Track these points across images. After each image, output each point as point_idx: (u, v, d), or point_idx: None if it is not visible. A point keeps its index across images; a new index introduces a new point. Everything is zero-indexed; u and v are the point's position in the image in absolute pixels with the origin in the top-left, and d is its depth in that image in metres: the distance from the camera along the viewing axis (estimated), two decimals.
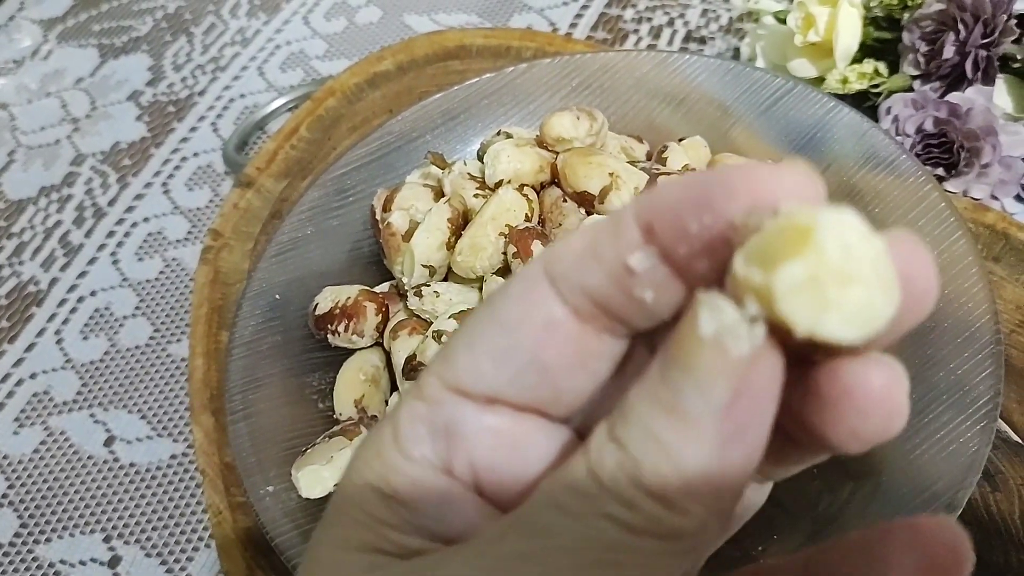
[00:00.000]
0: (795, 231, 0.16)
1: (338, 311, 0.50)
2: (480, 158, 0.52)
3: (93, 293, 0.69)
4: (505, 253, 0.47)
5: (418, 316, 0.49)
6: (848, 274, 0.15)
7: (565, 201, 0.49)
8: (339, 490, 0.21)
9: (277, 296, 0.53)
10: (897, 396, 0.17)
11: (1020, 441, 0.48)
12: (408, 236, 0.49)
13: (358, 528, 0.20)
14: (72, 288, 0.69)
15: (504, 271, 0.48)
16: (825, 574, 0.21)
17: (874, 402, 0.17)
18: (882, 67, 0.62)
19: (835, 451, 0.18)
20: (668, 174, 0.48)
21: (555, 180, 0.50)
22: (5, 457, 0.61)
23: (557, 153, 0.50)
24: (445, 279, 0.51)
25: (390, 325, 0.50)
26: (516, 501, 0.20)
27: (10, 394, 0.64)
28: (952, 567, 0.19)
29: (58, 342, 0.66)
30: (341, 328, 0.49)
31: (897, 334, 0.17)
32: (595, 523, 0.17)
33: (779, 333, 0.16)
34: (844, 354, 0.17)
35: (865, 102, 0.63)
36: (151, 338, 0.65)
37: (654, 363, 0.17)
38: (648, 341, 0.20)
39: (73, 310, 0.68)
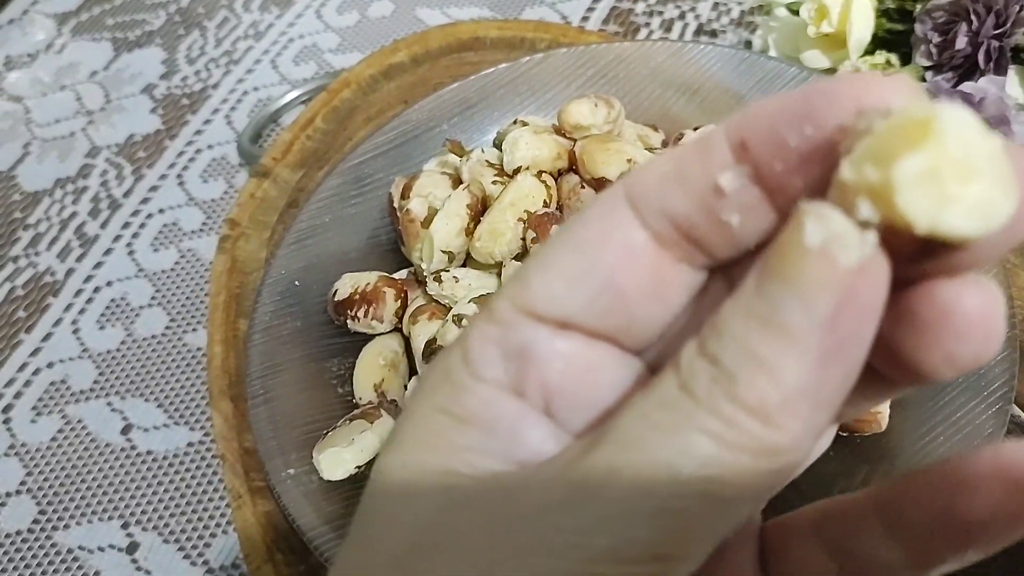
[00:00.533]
0: (914, 125, 0.15)
1: (357, 297, 0.50)
2: (497, 146, 0.53)
3: (109, 283, 0.69)
4: (524, 238, 0.47)
5: (437, 301, 0.50)
6: (969, 168, 0.15)
7: (583, 188, 0.50)
8: (407, 415, 0.21)
9: (296, 283, 0.53)
10: (995, 318, 0.17)
11: None
12: (427, 222, 0.50)
13: (430, 452, 0.20)
14: (88, 279, 0.70)
15: (523, 256, 0.48)
16: (904, 507, 0.20)
17: (972, 323, 0.16)
18: (894, 58, 0.63)
19: (924, 380, 0.18)
20: None
21: (573, 167, 0.50)
22: (23, 445, 0.61)
23: (575, 140, 0.50)
24: (464, 265, 0.51)
25: (409, 310, 0.50)
26: (588, 428, 0.19)
27: (28, 383, 0.65)
28: None
29: (75, 332, 0.67)
30: (360, 314, 0.50)
31: (1009, 244, 0.17)
32: (690, 437, 0.16)
33: (889, 242, 0.16)
34: (953, 263, 0.16)
35: None
36: (167, 328, 0.66)
37: (748, 279, 0.17)
38: (726, 276, 0.20)
39: (89, 300, 0.69)
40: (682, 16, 0.78)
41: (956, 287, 0.16)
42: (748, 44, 0.74)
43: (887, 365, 0.18)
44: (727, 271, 0.20)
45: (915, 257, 0.16)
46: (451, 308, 0.48)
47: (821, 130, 0.17)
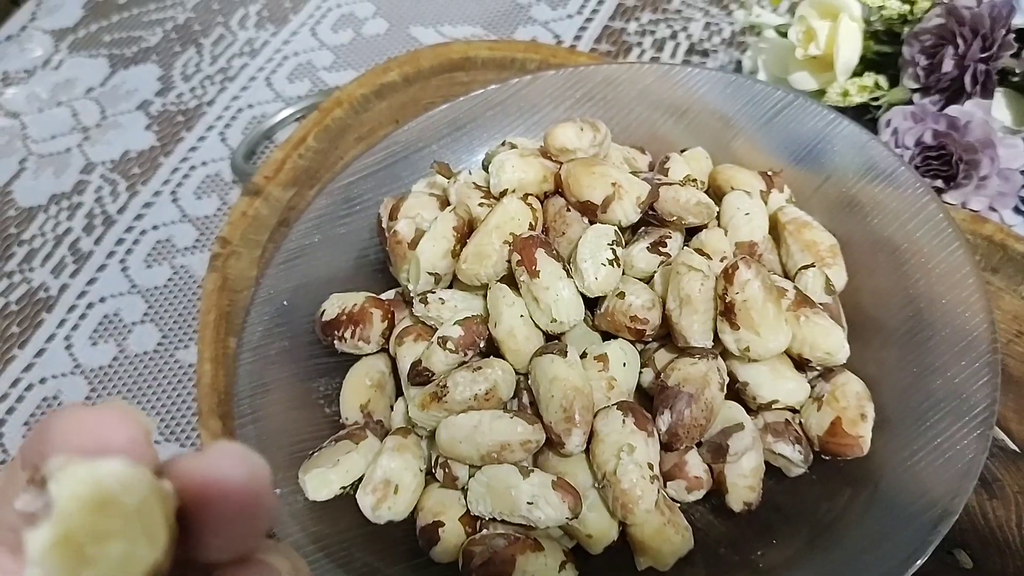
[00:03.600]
0: (55, 495, 0.16)
1: (345, 317, 0.50)
2: (485, 168, 0.53)
3: (102, 299, 0.70)
4: (509, 261, 0.48)
5: (423, 323, 0.50)
6: (103, 531, 0.16)
7: (569, 210, 0.50)
8: None
9: (285, 302, 0.53)
10: None
11: (1017, 449, 0.49)
12: (414, 244, 0.50)
13: None
14: (82, 294, 0.70)
15: (508, 279, 0.48)
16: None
17: None
18: (882, 80, 0.63)
19: None
20: (670, 184, 0.49)
21: (559, 190, 0.51)
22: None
23: (561, 163, 0.51)
24: (450, 286, 0.51)
25: (396, 331, 0.51)
26: None
27: (20, 398, 0.65)
28: None
29: (67, 347, 0.67)
30: (348, 334, 0.50)
31: (231, 547, 0.18)
32: None
33: None
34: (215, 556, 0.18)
35: (865, 115, 0.63)
36: (159, 344, 0.66)
37: None
38: None
39: (82, 316, 0.69)
40: (674, 36, 0.79)
41: None
42: (739, 64, 0.74)
43: None
44: None
45: None
46: (437, 329, 0.48)
47: (35, 473, 0.17)
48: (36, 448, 0.18)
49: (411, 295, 0.50)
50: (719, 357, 0.45)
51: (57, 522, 0.16)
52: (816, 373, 0.47)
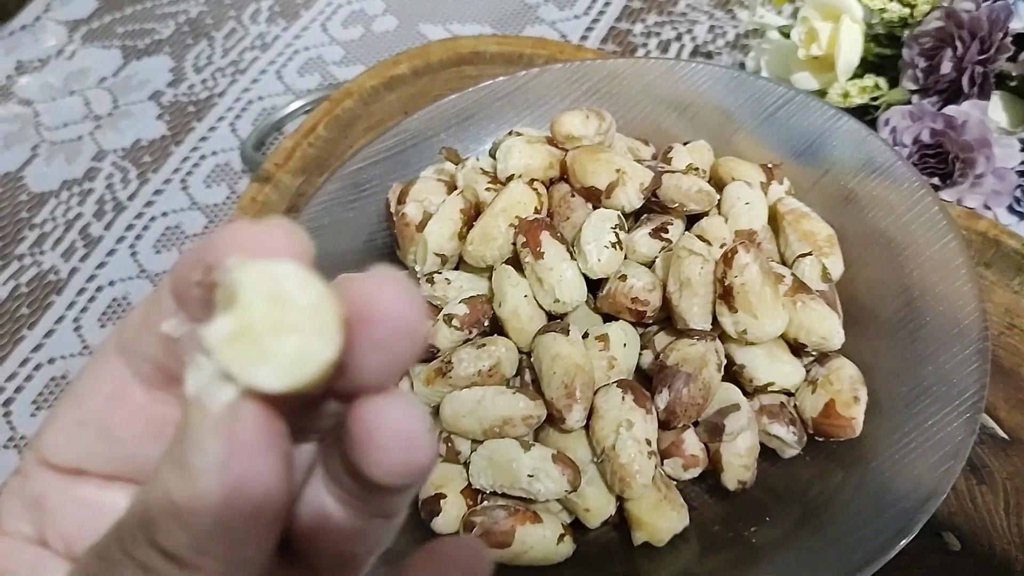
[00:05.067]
0: (227, 287, 0.16)
1: None
2: (492, 156, 0.54)
3: (111, 283, 0.71)
4: (515, 243, 0.49)
5: (430, 302, 0.51)
6: (282, 324, 0.16)
7: (573, 196, 0.51)
8: None
9: None
10: (414, 429, 0.18)
11: (1007, 437, 0.50)
12: (421, 226, 0.51)
13: None
14: (91, 278, 0.71)
15: (513, 261, 0.49)
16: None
17: (392, 437, 0.17)
18: (882, 82, 0.65)
19: (378, 488, 0.18)
20: (673, 172, 0.50)
21: (564, 176, 0.52)
22: (23, 438, 0.62)
23: (566, 150, 0.52)
24: (456, 268, 0.52)
25: None
26: None
27: (29, 377, 0.66)
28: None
29: (76, 329, 0.68)
30: None
31: (383, 370, 0.17)
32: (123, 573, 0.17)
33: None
34: (359, 385, 0.17)
35: (865, 115, 0.65)
36: None
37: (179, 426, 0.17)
38: None
39: (92, 299, 0.70)
40: (679, 38, 0.80)
41: (377, 406, 0.17)
42: (742, 66, 0.76)
43: (353, 481, 0.19)
44: None
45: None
46: (442, 308, 0.49)
47: (208, 275, 0.17)
48: (200, 258, 0.18)
49: (418, 276, 0.51)
50: (717, 339, 0.46)
51: (239, 314, 0.16)
52: (812, 358, 0.48)
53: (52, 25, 0.93)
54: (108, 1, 0.94)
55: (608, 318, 0.50)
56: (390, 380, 0.18)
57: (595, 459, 0.44)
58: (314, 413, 0.19)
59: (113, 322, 0.68)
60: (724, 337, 0.46)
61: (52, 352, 0.67)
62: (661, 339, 0.48)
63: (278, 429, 0.17)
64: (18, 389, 0.65)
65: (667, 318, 0.48)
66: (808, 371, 0.47)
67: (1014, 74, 0.60)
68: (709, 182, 0.53)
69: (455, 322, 0.47)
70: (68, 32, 0.92)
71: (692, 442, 0.46)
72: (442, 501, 0.45)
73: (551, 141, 0.53)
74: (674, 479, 0.47)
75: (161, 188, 0.77)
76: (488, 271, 0.50)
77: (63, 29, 0.92)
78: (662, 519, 0.44)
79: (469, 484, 0.46)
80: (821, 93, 0.65)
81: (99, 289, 0.71)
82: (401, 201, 0.54)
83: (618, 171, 0.49)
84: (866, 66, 0.65)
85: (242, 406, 0.16)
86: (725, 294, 0.45)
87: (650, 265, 0.50)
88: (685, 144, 0.56)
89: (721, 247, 0.48)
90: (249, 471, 0.16)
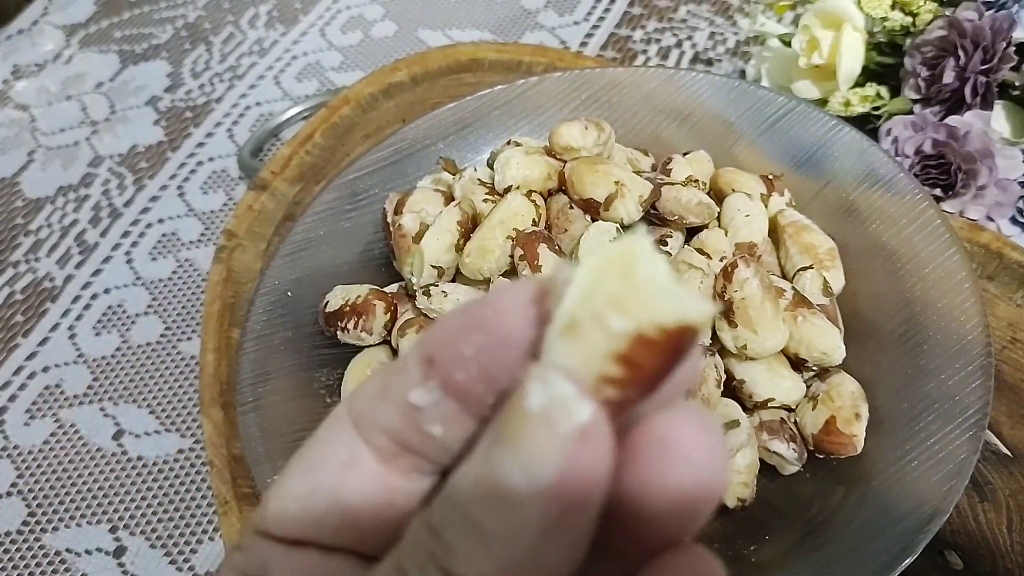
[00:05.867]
0: (619, 255, 0.16)
1: (348, 308, 0.51)
2: (490, 166, 0.54)
3: (107, 291, 0.70)
4: (512, 256, 0.48)
5: (426, 315, 0.50)
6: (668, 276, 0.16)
7: (571, 208, 0.50)
8: None
9: (289, 293, 0.54)
10: (713, 442, 0.16)
11: (1010, 454, 0.49)
12: (418, 238, 0.51)
13: None
14: (86, 285, 0.71)
15: (510, 273, 0.49)
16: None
17: (692, 445, 0.16)
18: (884, 91, 0.64)
19: (651, 535, 0.17)
20: (672, 184, 0.50)
21: (562, 187, 0.51)
22: (16, 447, 0.62)
23: (565, 161, 0.51)
24: (453, 280, 0.52)
25: (398, 323, 0.51)
26: None
27: (22, 386, 0.65)
28: None
29: (71, 337, 0.68)
30: (351, 325, 0.51)
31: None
32: None
33: (608, 406, 0.16)
34: (661, 397, 0.16)
35: (867, 124, 0.64)
36: (162, 335, 0.67)
37: (481, 443, 0.16)
38: None
39: (87, 307, 0.70)
40: (679, 44, 0.80)
41: (670, 417, 0.16)
42: (743, 73, 0.75)
43: (617, 531, 0.17)
44: None
45: (638, 398, 0.16)
46: None
47: (491, 338, 0.17)
48: (469, 323, 0.17)
49: (414, 288, 0.51)
50: (716, 354, 0.45)
51: (582, 300, 0.15)
52: (812, 373, 0.47)
53: (49, 29, 0.92)
54: (106, 5, 0.94)
55: None
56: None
57: None
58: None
59: (108, 330, 0.67)
60: (723, 352, 0.46)
61: (47, 360, 0.67)
62: None
63: (610, 464, 0.16)
64: (12, 398, 0.65)
65: None
66: (809, 387, 0.47)
67: (1017, 84, 0.59)
68: (709, 193, 0.53)
69: None
70: (65, 36, 0.91)
71: None
72: None
73: (549, 152, 0.52)
74: None
75: (157, 194, 0.76)
76: (485, 283, 0.50)
77: (60, 34, 0.92)
78: None
79: None
80: (822, 102, 0.65)
81: (94, 297, 0.70)
82: (398, 212, 0.54)
83: (617, 183, 0.48)
84: (868, 75, 0.65)
85: (594, 427, 0.15)
86: (725, 309, 0.44)
87: None
88: (685, 154, 0.55)
89: (721, 260, 0.48)
90: (577, 504, 0.15)
